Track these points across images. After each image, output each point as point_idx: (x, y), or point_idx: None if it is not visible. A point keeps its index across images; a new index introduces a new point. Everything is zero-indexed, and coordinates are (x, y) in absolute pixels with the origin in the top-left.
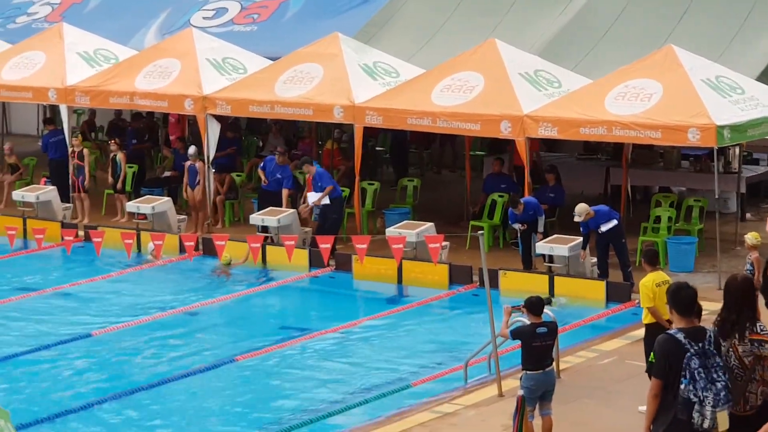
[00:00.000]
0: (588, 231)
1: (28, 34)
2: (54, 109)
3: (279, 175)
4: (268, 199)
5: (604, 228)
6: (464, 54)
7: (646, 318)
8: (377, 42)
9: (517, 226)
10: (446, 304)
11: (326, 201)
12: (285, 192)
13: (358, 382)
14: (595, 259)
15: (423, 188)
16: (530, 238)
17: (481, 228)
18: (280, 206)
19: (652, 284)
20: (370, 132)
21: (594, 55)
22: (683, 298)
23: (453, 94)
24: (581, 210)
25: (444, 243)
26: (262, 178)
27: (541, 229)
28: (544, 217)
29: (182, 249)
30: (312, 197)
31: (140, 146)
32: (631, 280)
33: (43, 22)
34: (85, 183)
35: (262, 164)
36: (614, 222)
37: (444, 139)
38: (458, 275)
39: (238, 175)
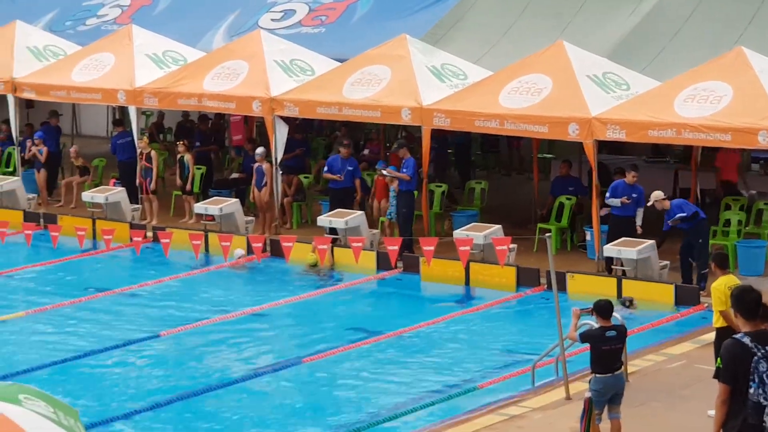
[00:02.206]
0: (643, 194)
1: (98, 36)
2: (123, 111)
3: (350, 167)
4: (340, 197)
5: (673, 222)
6: (532, 56)
7: (717, 322)
8: (445, 44)
9: (615, 201)
10: (513, 307)
11: (396, 186)
12: (358, 181)
13: (424, 384)
14: (665, 262)
15: (490, 191)
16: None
17: (549, 230)
18: (353, 202)
19: (724, 287)
20: (437, 134)
21: (663, 58)
22: (748, 302)
23: (521, 97)
24: (655, 195)
25: (511, 245)
26: (333, 178)
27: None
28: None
29: (250, 250)
30: (391, 171)
31: (207, 148)
32: (703, 283)
33: (113, 24)
34: (153, 184)
35: (326, 168)
36: (686, 214)
37: (510, 141)
38: (525, 278)
39: (305, 177)
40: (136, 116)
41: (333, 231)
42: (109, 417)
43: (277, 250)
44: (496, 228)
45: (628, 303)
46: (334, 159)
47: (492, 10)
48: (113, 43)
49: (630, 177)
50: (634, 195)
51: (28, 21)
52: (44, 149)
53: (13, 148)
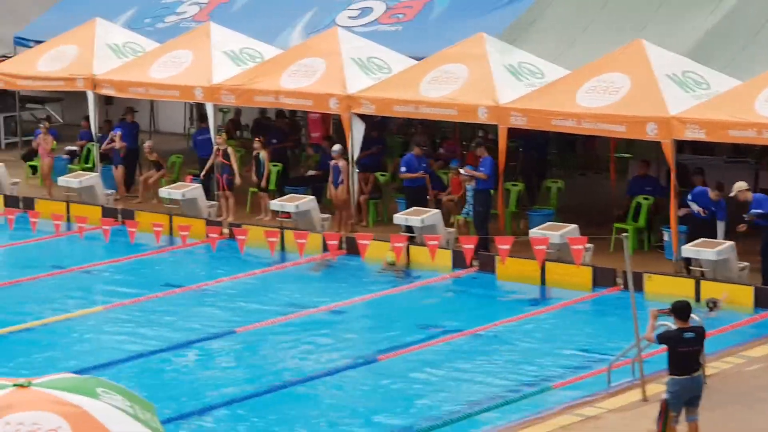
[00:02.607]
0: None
1: (176, 34)
2: (201, 108)
3: (424, 165)
4: (417, 195)
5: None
6: (610, 55)
7: None
8: (522, 42)
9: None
10: (589, 307)
11: (473, 186)
12: (428, 178)
13: (498, 383)
14: (745, 264)
15: (566, 190)
16: None
17: (626, 230)
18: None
19: None
20: (513, 133)
21: (744, 56)
22: None
23: (598, 96)
24: (738, 186)
25: (588, 245)
26: (410, 176)
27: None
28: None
29: (325, 248)
30: (468, 170)
31: (283, 145)
32: None
33: (191, 22)
34: (231, 181)
35: (403, 168)
36: (764, 211)
37: (586, 140)
38: (602, 278)
39: (382, 175)
40: (213, 113)
41: (409, 229)
42: (184, 413)
43: (352, 248)
44: (573, 227)
45: (712, 305)
46: (410, 158)
47: (570, 8)
48: (191, 40)
49: (714, 194)
50: (713, 209)
51: (108, 18)
52: (123, 145)
53: (93, 145)
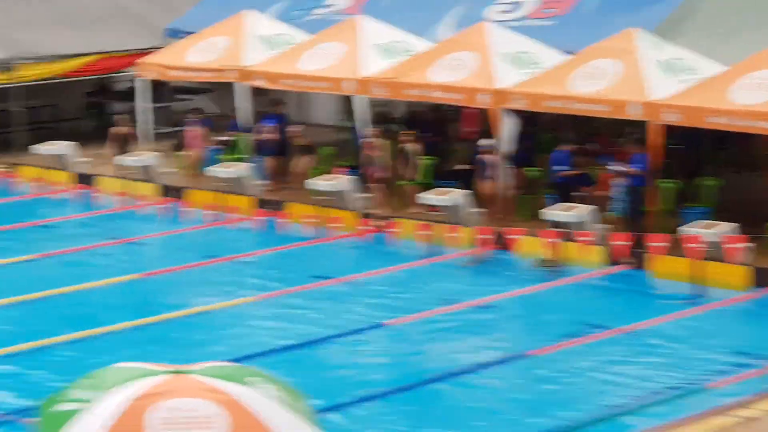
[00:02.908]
0: None
1: (327, 26)
2: (350, 100)
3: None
4: (568, 190)
5: None
6: (767, 50)
7: None
8: (675, 38)
9: None
10: (746, 307)
11: (621, 182)
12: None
13: (651, 382)
14: None
15: (722, 188)
16: None
17: None
18: (581, 196)
19: None
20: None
21: None
22: None
23: (753, 93)
24: None
25: (745, 244)
26: (567, 174)
27: None
28: None
29: (475, 242)
30: (618, 166)
31: (433, 138)
32: None
33: (341, 14)
34: (380, 174)
35: (558, 165)
36: None
37: (740, 138)
38: (760, 277)
39: (532, 170)
40: (362, 106)
41: (559, 225)
42: (332, 404)
43: (502, 243)
44: (728, 225)
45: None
46: (560, 153)
47: (724, 3)
48: (342, 32)
49: None
50: None
51: (259, 10)
52: (274, 136)
53: (243, 135)
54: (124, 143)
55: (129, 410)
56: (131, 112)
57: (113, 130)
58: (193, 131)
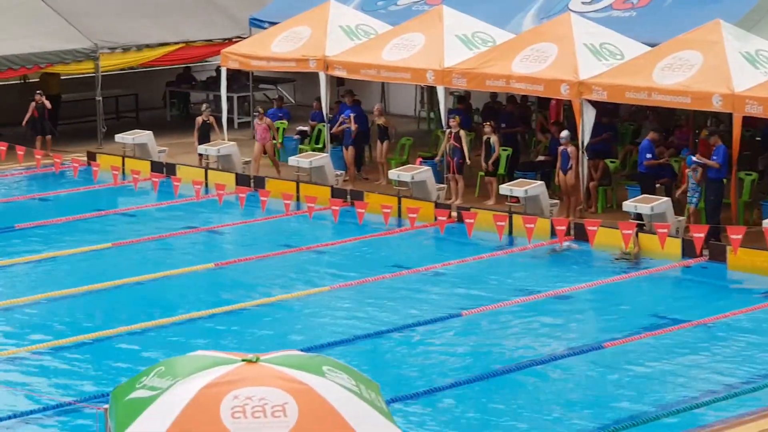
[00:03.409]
0: None
1: (409, 16)
2: (431, 91)
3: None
4: (648, 182)
5: None
6: None
7: None
8: (760, 30)
9: None
10: None
11: (696, 175)
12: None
13: (728, 374)
14: None
15: None
16: None
17: None
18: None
19: None
20: (748, 122)
21: None
22: None
23: None
24: None
25: None
26: (655, 163)
27: None
28: None
29: (553, 233)
30: (700, 159)
31: (513, 130)
32: None
33: (423, 5)
34: (461, 164)
35: (648, 155)
36: None
37: None
38: None
39: (612, 162)
40: (444, 97)
41: (638, 216)
42: (407, 394)
43: (581, 234)
44: None
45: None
46: (646, 143)
47: None
48: (424, 23)
49: None
50: None
51: (342, 1)
52: (354, 126)
53: (324, 125)
54: (206, 132)
55: (202, 398)
56: (213, 102)
57: (198, 119)
58: (258, 124)
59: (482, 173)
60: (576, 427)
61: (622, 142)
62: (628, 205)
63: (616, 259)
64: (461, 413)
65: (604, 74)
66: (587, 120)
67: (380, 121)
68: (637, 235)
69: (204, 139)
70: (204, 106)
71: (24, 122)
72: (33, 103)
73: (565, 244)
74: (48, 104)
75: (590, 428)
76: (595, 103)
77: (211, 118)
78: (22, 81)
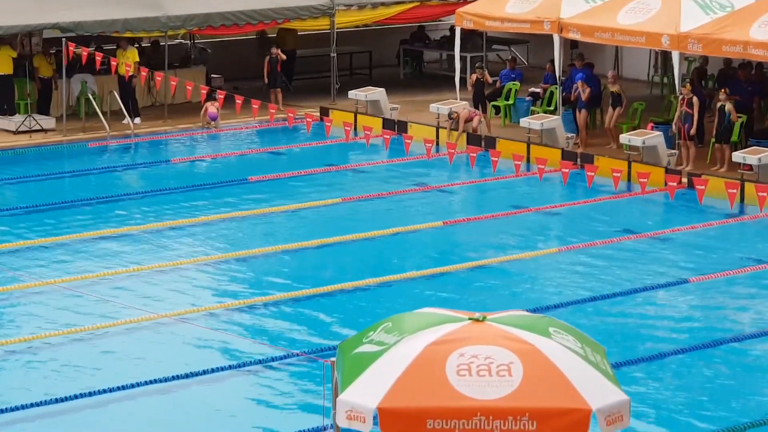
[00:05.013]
0: None
1: None
2: (666, 56)
3: None
4: None
5: None
6: None
7: None
8: None
9: None
10: None
11: None
12: None
13: None
14: None
15: None
16: None
17: None
18: None
19: None
20: None
21: None
22: None
23: None
24: None
25: None
26: None
27: None
28: None
29: None
30: None
31: (750, 97)
32: None
33: None
34: (692, 130)
35: None
36: None
37: None
38: None
39: None
40: (679, 62)
41: None
42: (632, 358)
43: None
44: None
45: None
46: None
47: None
48: None
49: None
50: None
51: None
52: (587, 89)
53: (556, 87)
54: (480, 90)
55: (428, 354)
56: (446, 61)
57: (473, 75)
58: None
59: (715, 140)
60: None
61: None
62: None
63: None
64: (687, 381)
65: None
66: None
67: (614, 88)
68: None
69: (478, 97)
70: (477, 64)
71: (265, 79)
72: (267, 57)
73: None
74: (283, 56)
75: None
76: None
77: (486, 76)
78: (259, 35)
